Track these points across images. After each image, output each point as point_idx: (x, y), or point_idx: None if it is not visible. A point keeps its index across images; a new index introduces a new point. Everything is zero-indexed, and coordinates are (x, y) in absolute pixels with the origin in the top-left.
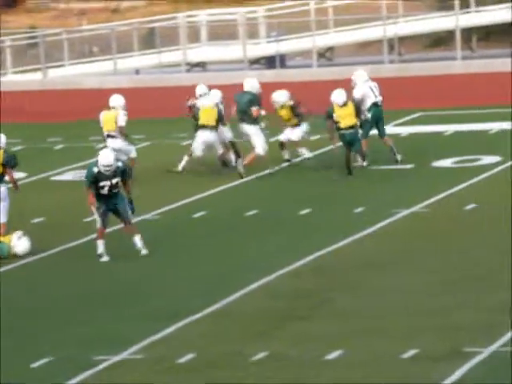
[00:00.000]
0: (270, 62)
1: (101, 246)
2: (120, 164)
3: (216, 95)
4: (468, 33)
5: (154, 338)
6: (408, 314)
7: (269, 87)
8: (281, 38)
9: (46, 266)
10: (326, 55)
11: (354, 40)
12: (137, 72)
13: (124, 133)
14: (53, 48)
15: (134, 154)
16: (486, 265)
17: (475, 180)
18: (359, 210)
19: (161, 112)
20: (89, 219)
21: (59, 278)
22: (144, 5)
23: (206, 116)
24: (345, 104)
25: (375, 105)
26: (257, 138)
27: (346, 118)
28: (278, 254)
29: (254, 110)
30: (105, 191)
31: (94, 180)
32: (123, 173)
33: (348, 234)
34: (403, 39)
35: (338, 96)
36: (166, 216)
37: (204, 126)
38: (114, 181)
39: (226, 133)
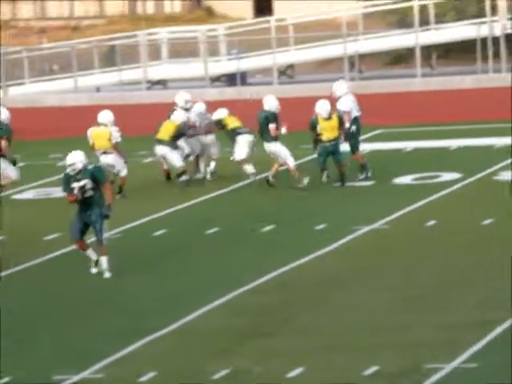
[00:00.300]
0: (230, 79)
1: (91, 255)
2: (90, 166)
3: (200, 107)
4: (428, 50)
5: (116, 356)
6: (369, 330)
7: (230, 104)
8: (241, 55)
9: (6, 284)
10: (287, 73)
11: (315, 57)
12: (97, 90)
13: (118, 149)
14: (13, 66)
15: (124, 173)
16: (447, 281)
17: (435, 197)
18: (321, 226)
19: (121, 130)
20: (49, 237)
21: (18, 297)
22: (104, 23)
23: (163, 130)
24: (329, 117)
25: (356, 119)
26: (282, 152)
27: (329, 130)
28: (241, 270)
29: (272, 129)
30: (76, 192)
31: (68, 183)
32: (93, 175)
33: (310, 250)
34: (363, 57)
35: (322, 108)
36: (126, 234)
37: (158, 141)
38: (82, 183)
39: (194, 145)
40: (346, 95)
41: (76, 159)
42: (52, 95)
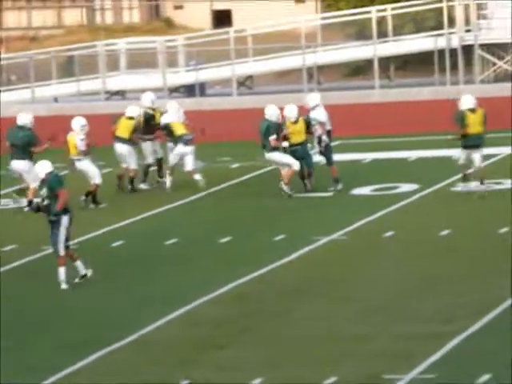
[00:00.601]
0: (189, 90)
1: (79, 267)
2: (50, 175)
3: (173, 106)
4: (386, 62)
5: (74, 367)
6: (328, 341)
7: (189, 115)
8: (200, 66)
9: None
10: (246, 84)
11: (274, 69)
12: (55, 100)
13: (88, 154)
14: None
15: (98, 180)
16: (406, 292)
17: (394, 208)
18: (280, 237)
19: None
20: (7, 248)
21: None
22: (62, 33)
23: (121, 127)
24: (296, 121)
25: (329, 132)
26: (283, 160)
27: (296, 134)
28: (199, 281)
29: (272, 140)
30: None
31: None
32: (49, 183)
33: (269, 261)
34: (322, 68)
35: (290, 111)
36: (84, 245)
37: (118, 138)
38: (42, 192)
39: (155, 148)
40: (319, 106)
41: (38, 169)
42: (9, 106)
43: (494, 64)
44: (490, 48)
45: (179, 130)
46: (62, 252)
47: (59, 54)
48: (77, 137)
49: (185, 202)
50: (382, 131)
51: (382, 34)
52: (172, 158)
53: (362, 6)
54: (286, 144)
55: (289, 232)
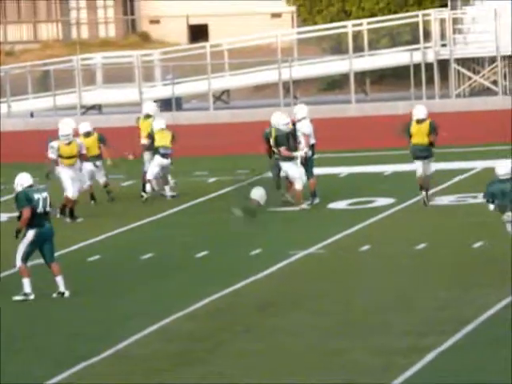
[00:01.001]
0: (165, 104)
1: (62, 285)
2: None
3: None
4: (362, 76)
5: (50, 382)
6: (305, 354)
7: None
8: (176, 80)
9: None
10: (222, 98)
11: (250, 83)
12: (31, 115)
13: (56, 164)
14: None
15: (69, 193)
16: (382, 306)
17: (370, 221)
18: (256, 251)
19: None
20: None
21: None
22: (38, 47)
23: (88, 148)
24: None
25: (312, 146)
26: (290, 173)
27: None
28: (175, 296)
29: (282, 150)
30: None
31: None
32: (16, 201)
33: (245, 275)
34: (298, 82)
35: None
36: (61, 259)
37: (88, 159)
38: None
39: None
40: (306, 119)
41: (16, 181)
42: None
43: (470, 78)
44: (465, 62)
45: (159, 140)
46: (18, 263)
47: (35, 68)
48: (49, 144)
49: (162, 216)
50: (358, 145)
51: (358, 48)
52: (151, 171)
53: (339, 21)
54: (298, 153)
55: (266, 246)
